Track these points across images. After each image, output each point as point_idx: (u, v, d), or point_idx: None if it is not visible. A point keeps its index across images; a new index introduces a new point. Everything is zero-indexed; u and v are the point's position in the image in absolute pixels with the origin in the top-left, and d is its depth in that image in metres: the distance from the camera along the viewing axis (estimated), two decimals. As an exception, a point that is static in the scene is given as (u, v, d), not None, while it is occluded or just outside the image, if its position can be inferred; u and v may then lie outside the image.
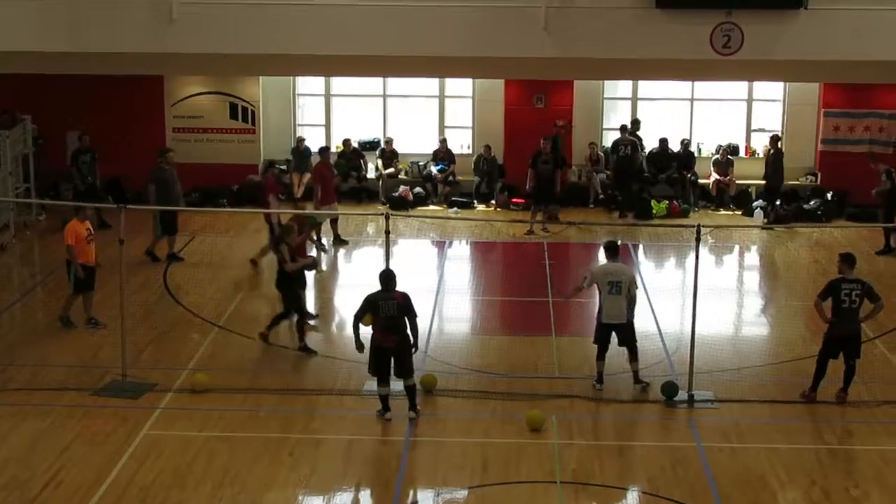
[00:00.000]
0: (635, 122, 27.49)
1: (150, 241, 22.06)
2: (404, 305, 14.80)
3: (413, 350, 14.98)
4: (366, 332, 14.93)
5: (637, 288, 15.88)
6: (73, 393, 15.64)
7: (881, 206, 23.68)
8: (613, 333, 15.96)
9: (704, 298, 16.42)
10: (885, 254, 23.19)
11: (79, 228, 18.05)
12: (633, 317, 15.90)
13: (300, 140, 27.47)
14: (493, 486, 13.20)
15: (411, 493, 13.25)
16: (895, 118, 27.23)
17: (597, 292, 16.04)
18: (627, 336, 15.92)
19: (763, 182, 26.49)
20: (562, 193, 25.50)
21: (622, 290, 15.69)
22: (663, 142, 27.46)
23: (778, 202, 26.07)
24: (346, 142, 27.58)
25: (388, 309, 14.73)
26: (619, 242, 16.74)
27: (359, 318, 14.89)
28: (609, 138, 27.89)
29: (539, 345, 17.89)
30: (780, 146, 26.25)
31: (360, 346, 15.01)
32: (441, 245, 24.32)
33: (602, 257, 16.80)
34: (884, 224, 23.47)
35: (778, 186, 26.13)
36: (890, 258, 22.98)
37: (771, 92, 28.14)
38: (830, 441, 14.60)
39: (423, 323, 17.69)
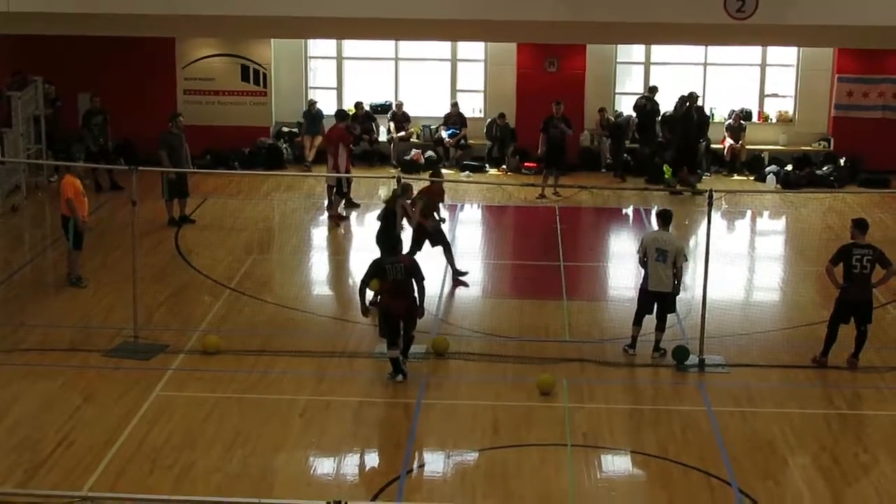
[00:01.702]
0: (653, 89, 27.30)
1: (167, 208, 22.06)
2: (411, 269, 14.82)
3: (420, 314, 15.01)
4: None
5: (686, 261, 15.75)
6: (85, 354, 15.69)
7: None
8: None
9: (716, 263, 16.39)
10: None
11: (76, 182, 18.06)
12: (678, 289, 15.79)
13: (312, 103, 27.38)
14: (503, 449, 13.23)
15: (419, 454, 13.29)
16: (910, 84, 27.13)
17: (612, 260, 15.94)
18: (669, 306, 15.84)
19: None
20: (573, 157, 25.40)
21: (667, 260, 15.56)
22: (682, 102, 27.23)
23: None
24: (358, 105, 27.49)
25: (396, 272, 14.75)
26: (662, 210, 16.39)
27: (366, 282, 14.96)
28: (623, 103, 27.82)
29: (550, 309, 17.89)
30: (688, 107, 26.08)
31: (364, 310, 15.12)
32: (452, 208, 24.28)
33: (654, 224, 16.67)
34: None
35: (682, 147, 25.97)
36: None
37: (784, 57, 27.97)
38: (840, 406, 14.60)
39: (434, 286, 17.83)
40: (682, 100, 26.15)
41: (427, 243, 18.64)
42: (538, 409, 14.28)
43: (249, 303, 17.96)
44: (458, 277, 18.94)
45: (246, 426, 13.63)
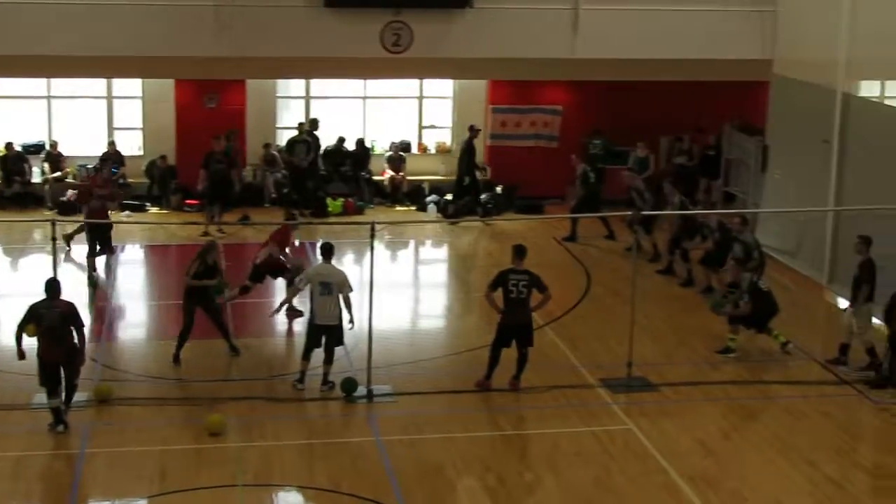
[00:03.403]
0: (313, 122, 27.42)
1: None
2: (69, 314, 14.28)
3: (80, 361, 14.49)
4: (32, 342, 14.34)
5: (351, 290, 15.83)
6: None
7: (578, 205, 24.41)
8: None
9: (381, 294, 16.59)
10: (569, 240, 24.17)
11: None
12: (345, 319, 15.82)
13: (-43, 144, 26.17)
14: (173, 494, 12.94)
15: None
16: (558, 114, 28.33)
17: (279, 296, 15.90)
18: (337, 338, 15.90)
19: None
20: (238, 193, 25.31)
21: (332, 292, 15.64)
22: (340, 140, 27.61)
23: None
24: (9, 145, 26.39)
25: (52, 318, 14.19)
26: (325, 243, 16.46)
27: (21, 327, 14.35)
28: (284, 137, 27.80)
29: (217, 348, 17.60)
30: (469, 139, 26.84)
31: (20, 354, 14.47)
32: (112, 250, 23.53)
33: (319, 258, 16.62)
34: (554, 216, 24.31)
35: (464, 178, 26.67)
36: (573, 245, 24.03)
37: (441, 89, 28.71)
38: (505, 428, 15.04)
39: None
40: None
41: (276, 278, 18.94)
42: (207, 451, 14.03)
43: None
44: (291, 311, 18.81)
45: None
